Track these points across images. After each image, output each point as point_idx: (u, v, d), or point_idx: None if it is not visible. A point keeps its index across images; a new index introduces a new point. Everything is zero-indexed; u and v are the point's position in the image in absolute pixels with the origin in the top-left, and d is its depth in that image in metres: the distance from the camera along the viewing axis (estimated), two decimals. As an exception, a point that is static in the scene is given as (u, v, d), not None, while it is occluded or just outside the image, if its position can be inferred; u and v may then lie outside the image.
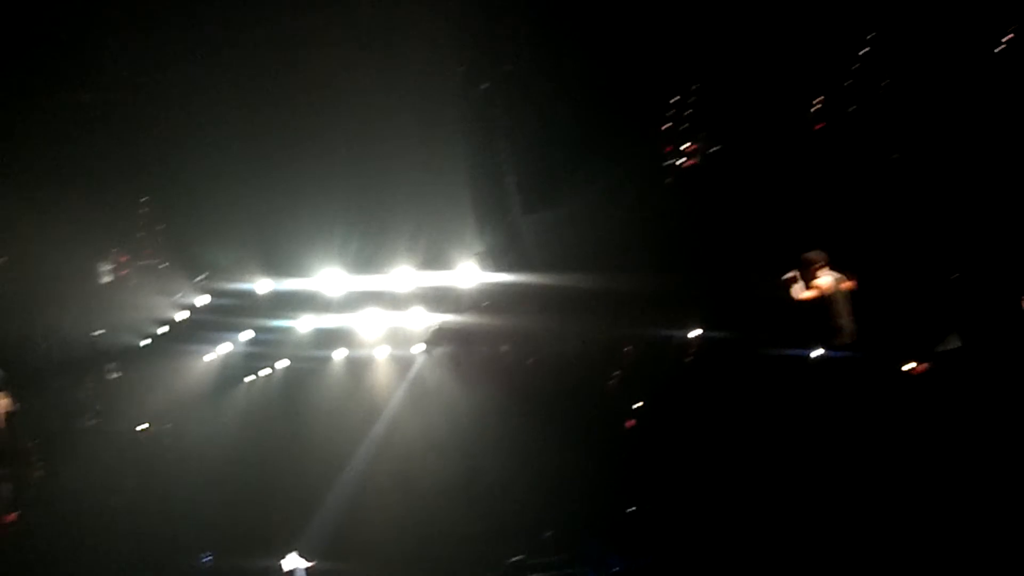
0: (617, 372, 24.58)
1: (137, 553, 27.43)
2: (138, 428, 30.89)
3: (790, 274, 14.63)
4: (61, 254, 26.76)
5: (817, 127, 18.54)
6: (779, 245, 17.47)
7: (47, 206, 26.03)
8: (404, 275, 26.26)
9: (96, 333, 28.74)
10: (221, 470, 29.25)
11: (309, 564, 27.11)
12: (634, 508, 23.70)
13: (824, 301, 14.46)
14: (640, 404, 24.31)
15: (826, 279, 14.64)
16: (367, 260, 26.39)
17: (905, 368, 14.88)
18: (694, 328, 22.28)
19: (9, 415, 29.62)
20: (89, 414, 30.17)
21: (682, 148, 21.54)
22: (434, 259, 26.14)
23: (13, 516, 29.45)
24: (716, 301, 20.82)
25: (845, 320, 14.58)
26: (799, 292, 14.63)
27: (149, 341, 29.00)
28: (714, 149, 21.15)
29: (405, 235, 25.97)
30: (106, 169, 27.37)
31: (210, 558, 29.49)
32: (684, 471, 21.64)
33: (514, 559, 25.97)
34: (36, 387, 29.19)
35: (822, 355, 17.21)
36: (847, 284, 14.77)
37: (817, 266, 14.69)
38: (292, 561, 27.09)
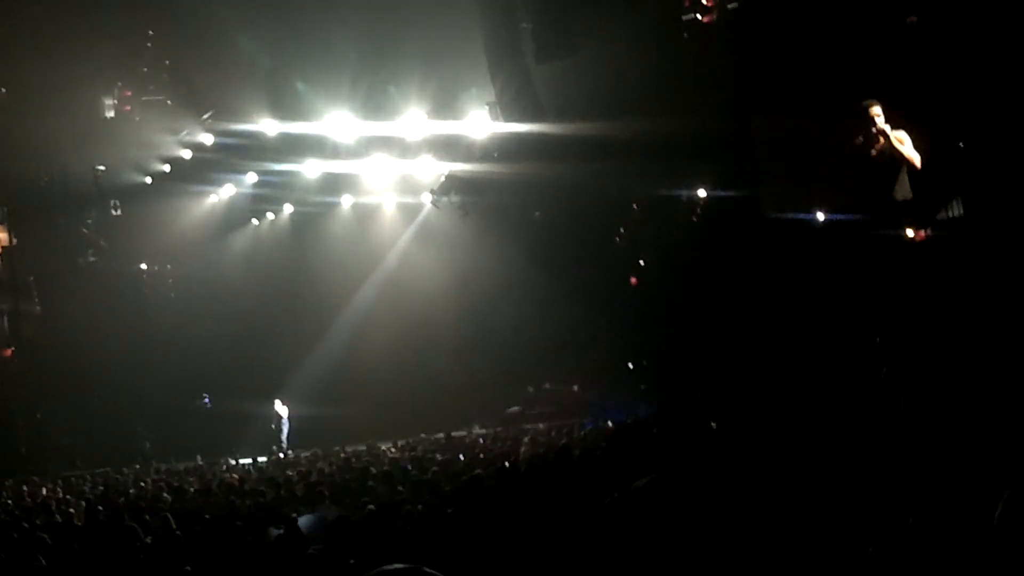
0: (623, 227, 24.42)
1: (133, 392, 27.67)
2: (138, 267, 30.92)
3: (879, 125, 13.49)
4: (64, 88, 26.41)
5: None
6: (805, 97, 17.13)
7: (50, 39, 25.63)
8: (414, 122, 25.88)
9: (98, 169, 28.51)
10: (221, 313, 29.29)
11: (294, 410, 27.33)
12: (632, 364, 23.77)
13: (896, 158, 13.61)
14: (644, 262, 24.21)
15: (903, 134, 13.62)
16: (376, 105, 26.04)
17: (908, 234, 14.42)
18: (706, 183, 22.02)
19: (7, 249, 29.65)
20: (90, 251, 30.14)
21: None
22: (444, 106, 25.81)
23: (8, 352, 29.61)
24: (729, 156, 20.50)
25: (904, 182, 13.80)
26: (883, 146, 13.50)
27: (152, 179, 28.78)
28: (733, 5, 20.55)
29: (415, 81, 25.59)
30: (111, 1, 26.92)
31: (208, 401, 29.72)
32: (687, 326, 21.62)
33: (512, 409, 26.21)
34: (36, 222, 29.12)
35: (830, 219, 17.03)
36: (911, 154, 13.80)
37: (886, 124, 13.65)
38: (279, 407, 27.31)
